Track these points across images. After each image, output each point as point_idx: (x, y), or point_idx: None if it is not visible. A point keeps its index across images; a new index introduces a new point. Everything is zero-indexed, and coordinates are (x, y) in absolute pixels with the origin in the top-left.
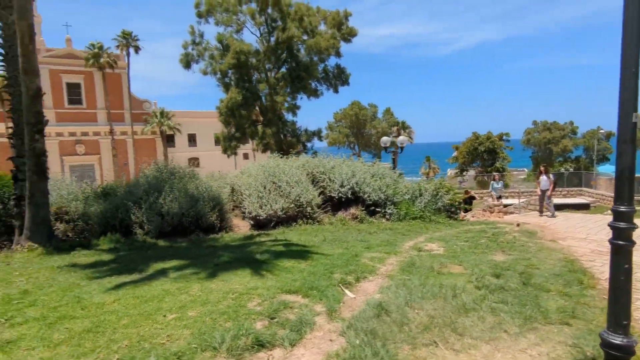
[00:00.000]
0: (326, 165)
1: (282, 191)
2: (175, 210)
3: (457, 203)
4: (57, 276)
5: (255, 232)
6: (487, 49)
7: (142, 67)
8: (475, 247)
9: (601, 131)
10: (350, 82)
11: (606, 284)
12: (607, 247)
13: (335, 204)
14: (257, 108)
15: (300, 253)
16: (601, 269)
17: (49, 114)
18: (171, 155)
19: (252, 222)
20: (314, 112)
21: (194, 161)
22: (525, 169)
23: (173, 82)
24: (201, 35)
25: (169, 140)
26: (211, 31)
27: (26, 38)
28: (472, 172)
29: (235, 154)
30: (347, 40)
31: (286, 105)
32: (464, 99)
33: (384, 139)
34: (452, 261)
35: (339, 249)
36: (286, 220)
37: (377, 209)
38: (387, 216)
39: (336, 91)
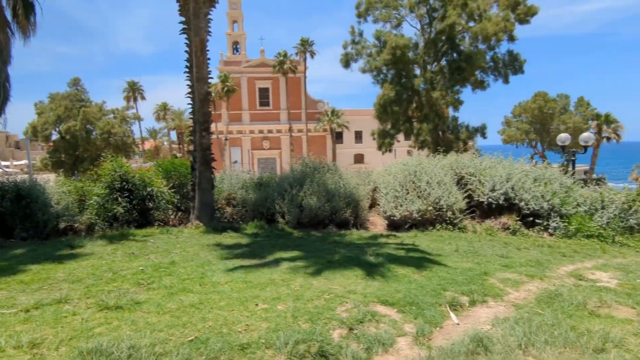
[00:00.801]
0: (478, 165)
1: (420, 192)
2: (313, 204)
3: None
4: (201, 252)
5: (386, 233)
6: None
7: (319, 70)
8: None
9: None
10: (525, 69)
11: None
12: None
13: (484, 211)
14: (414, 104)
15: (420, 261)
16: None
17: (244, 115)
18: (339, 151)
19: (387, 222)
20: (494, 107)
21: (360, 157)
22: None
23: (346, 81)
24: (360, 34)
25: (337, 137)
26: (371, 29)
27: (198, 51)
28: None
29: (390, 150)
30: (524, 21)
31: (447, 99)
32: None
33: (584, 135)
34: (621, 300)
35: (469, 263)
36: (422, 223)
37: (537, 221)
38: (550, 230)
39: (507, 81)
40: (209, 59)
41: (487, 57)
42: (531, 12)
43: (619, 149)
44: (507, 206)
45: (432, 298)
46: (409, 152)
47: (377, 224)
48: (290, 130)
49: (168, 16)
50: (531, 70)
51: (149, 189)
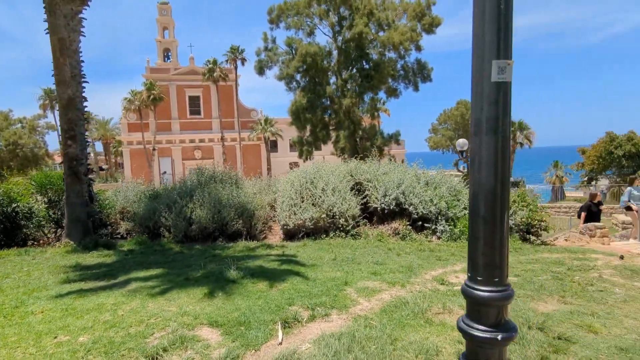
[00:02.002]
0: (375, 171)
1: (315, 199)
2: (203, 216)
3: (537, 222)
4: (45, 275)
5: (277, 244)
6: None
7: (258, 79)
8: (522, 287)
9: None
10: (432, 77)
11: None
12: None
13: (380, 217)
14: (329, 111)
15: (285, 273)
16: None
17: (174, 124)
18: (274, 160)
19: (283, 232)
20: (418, 114)
21: (295, 165)
22: None
23: (283, 90)
24: (273, 41)
25: (272, 145)
26: (284, 36)
27: (57, 52)
28: (604, 182)
29: (311, 158)
30: (430, 31)
31: (364, 107)
32: (606, 96)
33: (460, 141)
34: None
35: (338, 272)
36: (316, 231)
37: (426, 225)
38: (438, 234)
39: (416, 89)
40: (82, 61)
41: (398, 66)
42: (435, 23)
43: (531, 154)
44: (399, 211)
45: (271, 315)
46: (345, 160)
47: (277, 234)
48: (222, 139)
49: (91, 22)
50: (463, 79)
51: (14, 205)
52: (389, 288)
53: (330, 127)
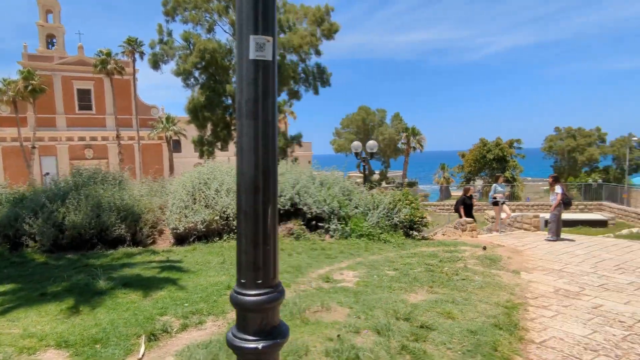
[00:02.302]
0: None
1: (209, 201)
2: (77, 221)
3: (418, 218)
4: None
5: (163, 249)
6: (519, 54)
7: (156, 74)
8: (398, 280)
9: (634, 138)
10: (332, 82)
11: (539, 353)
12: (579, 284)
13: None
14: (230, 110)
15: (163, 282)
16: (547, 322)
17: (59, 119)
18: (177, 160)
19: (173, 236)
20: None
21: (199, 166)
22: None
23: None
24: (169, 34)
25: (175, 145)
26: (181, 30)
27: None
28: (479, 182)
29: (213, 158)
30: (329, 37)
31: None
32: (488, 106)
33: (355, 144)
34: (344, 300)
35: (223, 276)
36: (209, 234)
37: (320, 224)
38: (331, 232)
39: (316, 93)
40: None
41: (300, 69)
42: (334, 29)
43: (423, 158)
44: (294, 211)
45: (137, 328)
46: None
47: (168, 238)
48: (118, 137)
49: None
50: (367, 86)
51: None
52: None
53: (232, 127)
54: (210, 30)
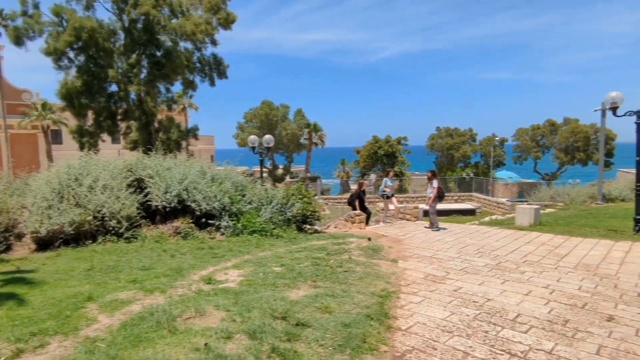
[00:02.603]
0: (159, 166)
1: (81, 199)
2: None
3: (310, 212)
4: None
5: (16, 257)
6: (409, 60)
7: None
8: (283, 276)
9: (496, 138)
10: (228, 74)
11: (403, 339)
12: (445, 269)
13: (164, 216)
14: (115, 98)
15: (3, 297)
16: (415, 308)
17: None
18: (57, 153)
19: (34, 241)
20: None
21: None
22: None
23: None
24: (36, 6)
25: (55, 136)
26: (52, 3)
27: None
28: (373, 176)
29: (97, 151)
30: (226, 27)
31: (164, 98)
32: (382, 105)
33: (251, 138)
34: (223, 304)
35: (86, 286)
36: (79, 237)
37: (210, 221)
38: (222, 230)
39: (212, 84)
40: None
41: (195, 58)
42: (230, 19)
43: (324, 153)
44: (182, 209)
45: None
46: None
47: (29, 244)
48: None
49: None
50: (272, 82)
51: None
52: (146, 296)
53: (119, 117)
54: (89, 7)
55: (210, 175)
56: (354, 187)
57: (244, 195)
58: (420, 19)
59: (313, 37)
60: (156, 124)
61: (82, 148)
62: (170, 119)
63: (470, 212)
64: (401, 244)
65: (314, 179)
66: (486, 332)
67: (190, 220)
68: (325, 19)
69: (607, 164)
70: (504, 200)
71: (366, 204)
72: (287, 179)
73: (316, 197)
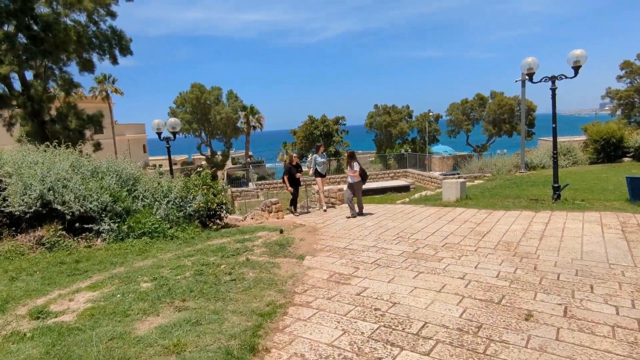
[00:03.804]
0: (22, 161)
1: None
2: None
3: (216, 205)
4: None
5: None
6: (349, 40)
7: None
8: (146, 296)
9: (431, 114)
10: (132, 49)
11: None
12: (356, 264)
13: (28, 222)
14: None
15: None
16: (299, 330)
17: None
18: None
19: None
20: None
21: None
22: (374, 152)
23: None
24: None
25: None
26: None
27: None
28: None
29: None
30: None
31: (58, 83)
32: (324, 87)
33: (155, 122)
34: (28, 355)
35: None
36: None
37: (87, 226)
38: (104, 235)
39: (115, 62)
40: None
41: (91, 33)
42: None
43: (264, 137)
44: (47, 213)
45: None
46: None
47: None
48: None
49: None
50: (209, 64)
51: None
52: None
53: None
54: None
55: (90, 169)
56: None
57: (133, 191)
58: None
59: (251, 18)
60: (54, 113)
61: None
62: (70, 106)
63: (404, 189)
64: (316, 234)
65: (257, 164)
66: (379, 359)
67: (60, 227)
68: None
69: (529, 134)
70: (437, 174)
71: (301, 181)
72: (229, 164)
73: (250, 184)
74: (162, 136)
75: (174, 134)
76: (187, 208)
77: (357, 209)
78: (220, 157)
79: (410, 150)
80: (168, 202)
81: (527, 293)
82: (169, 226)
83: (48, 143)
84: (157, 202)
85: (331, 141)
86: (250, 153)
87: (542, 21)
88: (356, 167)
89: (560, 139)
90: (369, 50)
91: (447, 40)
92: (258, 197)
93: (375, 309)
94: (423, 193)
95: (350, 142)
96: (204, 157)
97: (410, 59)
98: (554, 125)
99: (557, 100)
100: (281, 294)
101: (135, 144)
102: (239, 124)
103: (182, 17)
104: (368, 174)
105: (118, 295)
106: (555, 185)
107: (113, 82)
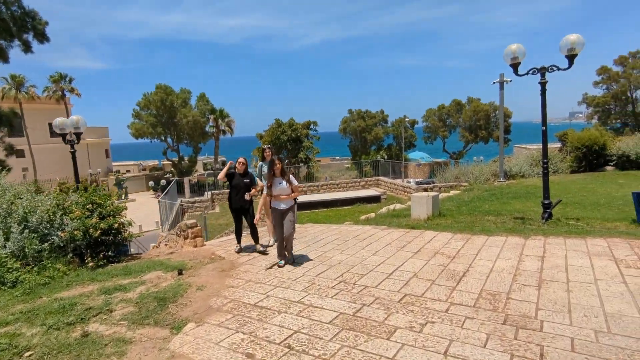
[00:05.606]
0: None
1: None
2: None
3: (99, 232)
4: None
5: None
6: (330, 47)
7: None
8: None
9: (407, 119)
10: (48, 34)
11: None
12: (253, 347)
13: None
14: None
15: None
16: None
17: None
18: None
19: None
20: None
21: None
22: (349, 158)
23: None
24: None
25: None
26: None
27: None
28: None
29: None
30: None
31: None
32: (304, 93)
33: (57, 120)
34: None
35: None
36: None
37: None
38: None
39: (27, 49)
40: None
41: None
42: None
43: (234, 142)
44: None
45: None
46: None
47: None
48: None
49: None
50: (189, 68)
51: None
52: None
53: None
54: None
55: None
56: None
57: None
58: (339, 5)
59: (234, 23)
60: None
61: None
62: None
63: (375, 199)
64: (228, 276)
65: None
66: None
67: None
68: (246, 4)
69: (506, 141)
70: (412, 182)
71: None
72: (201, 170)
73: (206, 193)
74: (66, 138)
75: (78, 135)
76: (54, 237)
77: (286, 254)
78: (187, 163)
79: (386, 156)
80: (24, 229)
81: None
82: (16, 267)
83: None
84: (8, 230)
85: (300, 147)
86: (222, 158)
87: (515, 33)
88: (294, 181)
89: (532, 146)
90: (350, 58)
91: (426, 49)
92: (214, 208)
93: None
94: (391, 207)
95: (320, 148)
96: (170, 162)
97: (392, 66)
98: (543, 128)
99: (526, 109)
100: None
101: (97, 148)
102: (207, 128)
103: (163, 20)
104: (339, 182)
105: None
106: (546, 202)
107: (70, 82)
